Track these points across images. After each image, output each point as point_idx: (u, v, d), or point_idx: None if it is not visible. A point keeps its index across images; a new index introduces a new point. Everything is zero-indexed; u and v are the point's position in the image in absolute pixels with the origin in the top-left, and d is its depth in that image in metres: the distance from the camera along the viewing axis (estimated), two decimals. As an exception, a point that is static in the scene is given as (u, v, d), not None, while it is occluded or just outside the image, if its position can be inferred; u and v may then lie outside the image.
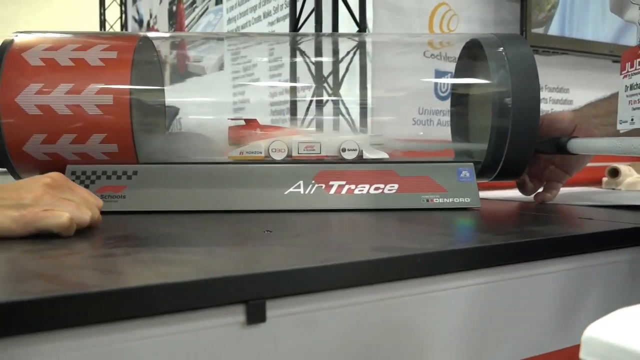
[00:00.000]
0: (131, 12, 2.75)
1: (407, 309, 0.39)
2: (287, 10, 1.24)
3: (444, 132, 0.84)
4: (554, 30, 1.19)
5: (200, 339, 0.32)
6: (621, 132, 0.59)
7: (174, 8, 2.19)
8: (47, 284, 0.30)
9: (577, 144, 0.67)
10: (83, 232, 0.46)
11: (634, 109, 0.56)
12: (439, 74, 0.99)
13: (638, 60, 0.56)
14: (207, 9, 1.88)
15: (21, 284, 0.30)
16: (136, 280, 0.31)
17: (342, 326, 0.37)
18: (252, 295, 0.33)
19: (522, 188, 0.79)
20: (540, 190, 0.77)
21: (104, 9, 2.89)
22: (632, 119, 0.57)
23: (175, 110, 0.85)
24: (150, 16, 2.46)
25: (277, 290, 0.33)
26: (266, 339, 0.34)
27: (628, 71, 0.58)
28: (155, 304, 0.30)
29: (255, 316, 0.33)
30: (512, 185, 0.80)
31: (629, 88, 0.57)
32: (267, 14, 1.46)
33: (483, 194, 0.69)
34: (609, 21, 1.25)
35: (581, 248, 0.47)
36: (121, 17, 2.86)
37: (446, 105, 0.84)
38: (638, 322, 0.28)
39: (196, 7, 1.97)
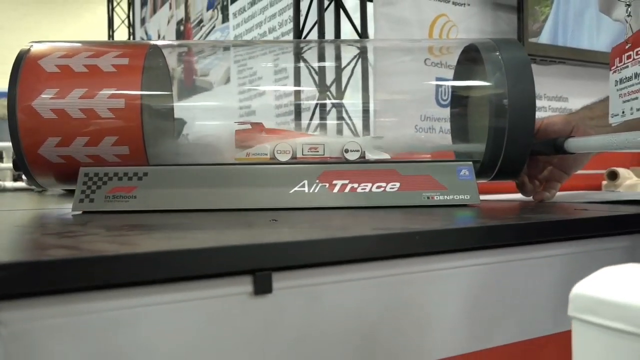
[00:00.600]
0: (139, 33, 2.81)
1: (408, 287, 0.41)
2: (291, 25, 1.27)
3: (446, 139, 0.86)
4: (544, 39, 1.22)
5: (208, 306, 0.34)
6: (613, 125, 0.61)
7: (182, 28, 2.25)
8: (67, 251, 0.32)
9: (573, 143, 0.69)
10: (97, 221, 0.49)
11: (624, 101, 0.58)
12: (440, 81, 1.01)
13: (626, 54, 0.58)
14: (214, 27, 1.93)
15: (44, 251, 0.32)
16: (148, 248, 0.33)
17: (345, 300, 0.38)
18: (259, 266, 0.35)
19: (522, 189, 0.80)
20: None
21: (113, 31, 2.96)
22: (622, 112, 0.59)
23: (182, 122, 0.87)
24: (159, 36, 2.52)
25: (282, 261, 0.35)
26: (272, 310, 0.36)
27: (617, 66, 0.60)
28: (166, 269, 0.32)
29: (262, 287, 0.35)
30: (513, 190, 0.82)
31: (618, 82, 0.60)
32: (272, 30, 1.50)
33: (483, 196, 0.71)
34: (604, 31, 1.28)
35: (578, 231, 0.49)
36: (129, 39, 2.92)
37: (448, 112, 0.86)
38: (622, 278, 0.30)
39: (203, 25, 2.02)
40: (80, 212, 0.66)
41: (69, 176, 0.69)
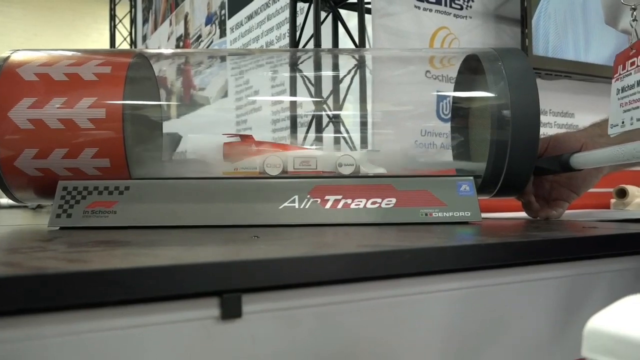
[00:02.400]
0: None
1: (394, 311, 0.37)
2: (289, 39, 1.25)
3: (447, 154, 0.82)
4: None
5: (168, 333, 0.30)
6: (612, 136, 0.57)
7: (181, 44, 2.24)
8: (7, 268, 0.28)
9: (579, 159, 0.65)
10: (66, 237, 0.45)
11: (624, 111, 0.54)
12: (441, 95, 0.98)
13: (630, 61, 0.54)
14: (211, 42, 1.91)
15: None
16: (98, 266, 0.29)
17: (324, 326, 0.34)
18: (227, 287, 0.31)
19: (528, 208, 0.76)
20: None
21: (114, 47, 2.96)
22: (622, 122, 0.55)
23: (177, 137, 0.84)
24: (159, 53, 2.52)
25: (253, 281, 0.31)
26: (241, 337, 0.32)
27: (620, 74, 0.56)
28: (116, 289, 0.28)
29: (230, 310, 0.31)
30: (519, 208, 0.78)
31: (620, 91, 0.56)
32: (269, 44, 1.48)
33: (485, 214, 0.67)
34: (592, 45, 1.24)
35: (585, 251, 0.44)
36: (132, 57, 2.92)
37: (449, 127, 0.82)
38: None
39: (202, 41, 2.00)
40: (57, 227, 0.62)
41: (48, 190, 0.65)
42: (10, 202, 1.96)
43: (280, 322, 0.33)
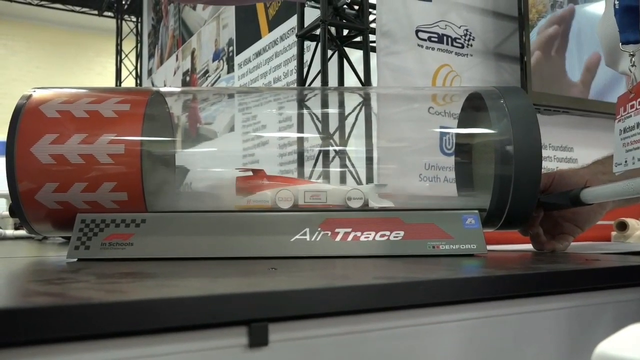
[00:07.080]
0: (146, 84, 2.86)
1: (410, 340, 0.38)
2: (295, 76, 1.29)
3: (451, 188, 0.84)
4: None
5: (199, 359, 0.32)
6: (617, 174, 0.60)
7: (187, 78, 2.28)
8: (51, 298, 0.30)
9: (589, 193, 0.67)
10: (90, 269, 0.47)
11: (627, 150, 0.57)
12: (444, 129, 1.01)
13: (630, 104, 0.57)
14: (219, 77, 1.95)
15: (26, 298, 0.30)
16: (136, 296, 0.31)
17: (347, 354, 0.36)
18: (255, 316, 0.33)
19: (535, 241, 0.78)
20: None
21: (120, 82, 3.01)
22: (625, 161, 0.57)
23: (184, 171, 0.86)
24: (164, 87, 2.56)
25: (280, 311, 0.33)
26: (268, 364, 0.34)
27: (622, 115, 0.59)
28: (154, 319, 0.30)
29: (258, 339, 0.33)
30: (521, 240, 0.80)
31: (622, 131, 0.58)
32: (277, 80, 1.52)
33: (491, 247, 0.69)
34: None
35: (588, 283, 0.46)
36: (136, 91, 2.97)
37: (452, 161, 0.85)
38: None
39: (209, 76, 2.05)
40: (76, 259, 0.64)
41: (66, 222, 0.67)
42: (16, 233, 1.96)
43: (304, 350, 0.35)
